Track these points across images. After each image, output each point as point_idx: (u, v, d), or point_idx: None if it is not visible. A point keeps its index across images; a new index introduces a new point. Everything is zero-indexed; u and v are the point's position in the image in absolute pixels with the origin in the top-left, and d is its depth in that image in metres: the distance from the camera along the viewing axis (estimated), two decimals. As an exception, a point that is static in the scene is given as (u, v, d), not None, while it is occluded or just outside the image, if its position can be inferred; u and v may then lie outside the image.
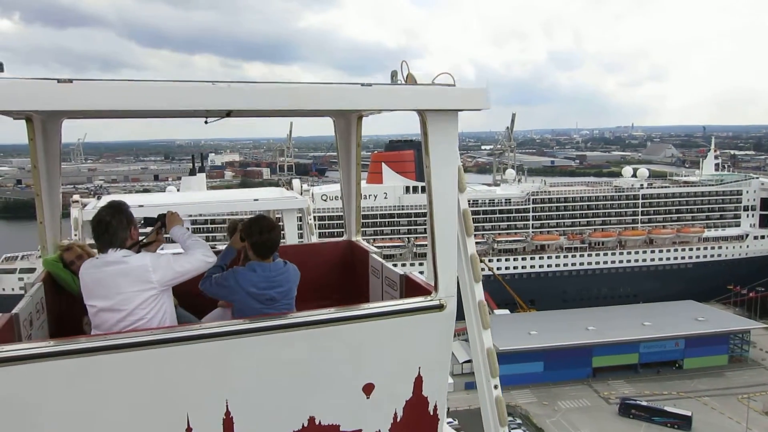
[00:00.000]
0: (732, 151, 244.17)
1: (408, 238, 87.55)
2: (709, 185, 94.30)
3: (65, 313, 4.81)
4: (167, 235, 4.38)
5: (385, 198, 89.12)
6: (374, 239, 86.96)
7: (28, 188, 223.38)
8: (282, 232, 9.75)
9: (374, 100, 3.90)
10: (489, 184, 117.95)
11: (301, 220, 10.26)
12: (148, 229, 4.45)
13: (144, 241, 4.19)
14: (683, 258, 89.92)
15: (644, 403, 57.07)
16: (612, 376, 64.78)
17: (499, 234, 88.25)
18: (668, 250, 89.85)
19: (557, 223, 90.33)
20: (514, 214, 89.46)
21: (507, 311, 79.84)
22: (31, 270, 74.95)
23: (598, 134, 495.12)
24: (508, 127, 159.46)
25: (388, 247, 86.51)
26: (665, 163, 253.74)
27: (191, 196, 8.81)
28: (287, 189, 10.47)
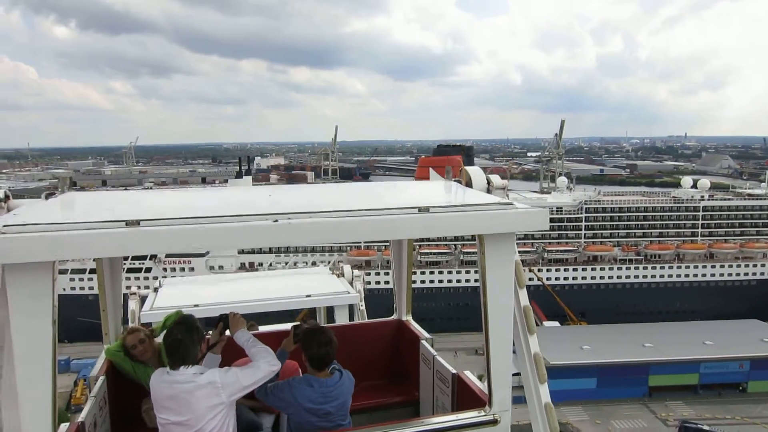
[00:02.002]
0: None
1: (455, 245, 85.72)
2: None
3: (125, 400, 4.96)
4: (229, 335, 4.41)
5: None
6: (420, 245, 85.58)
7: (83, 190, 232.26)
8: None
9: (432, 227, 3.79)
10: (536, 192, 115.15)
11: (352, 310, 10.23)
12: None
13: (210, 343, 4.26)
14: (746, 274, 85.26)
15: (706, 428, 53.60)
16: (670, 396, 61.38)
17: (550, 243, 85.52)
18: (730, 266, 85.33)
19: (611, 233, 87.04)
20: (565, 223, 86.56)
21: (557, 323, 77.12)
22: (83, 271, 76.78)
23: (649, 143, 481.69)
24: (556, 134, 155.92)
25: (435, 253, 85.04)
26: (721, 174, 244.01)
27: (242, 291, 8.91)
28: (338, 275, 10.08)
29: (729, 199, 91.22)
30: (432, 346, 5.68)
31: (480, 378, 4.49)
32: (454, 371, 5.07)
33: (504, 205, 3.89)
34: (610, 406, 59.80)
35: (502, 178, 5.00)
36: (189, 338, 3.93)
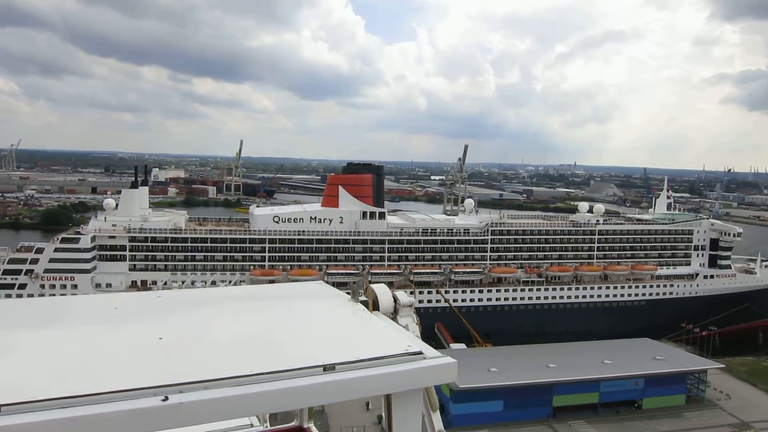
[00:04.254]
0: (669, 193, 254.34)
1: (363, 265, 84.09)
2: (662, 224, 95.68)
3: None
4: None
5: (341, 222, 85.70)
6: (327, 265, 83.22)
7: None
8: None
9: (338, 392, 3.57)
10: (442, 215, 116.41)
11: None
12: None
13: None
14: (636, 295, 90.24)
15: (607, 447, 54.91)
16: (572, 416, 62.51)
17: (457, 265, 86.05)
18: (623, 287, 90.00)
19: (515, 255, 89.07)
20: (472, 245, 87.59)
21: (463, 345, 77.10)
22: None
23: (543, 171, 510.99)
24: (460, 159, 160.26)
25: (342, 274, 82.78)
26: (607, 201, 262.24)
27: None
28: None
29: (621, 224, 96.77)
30: None
31: None
32: None
33: (413, 356, 3.75)
34: (516, 428, 59.82)
35: (409, 293, 5.11)
36: None
